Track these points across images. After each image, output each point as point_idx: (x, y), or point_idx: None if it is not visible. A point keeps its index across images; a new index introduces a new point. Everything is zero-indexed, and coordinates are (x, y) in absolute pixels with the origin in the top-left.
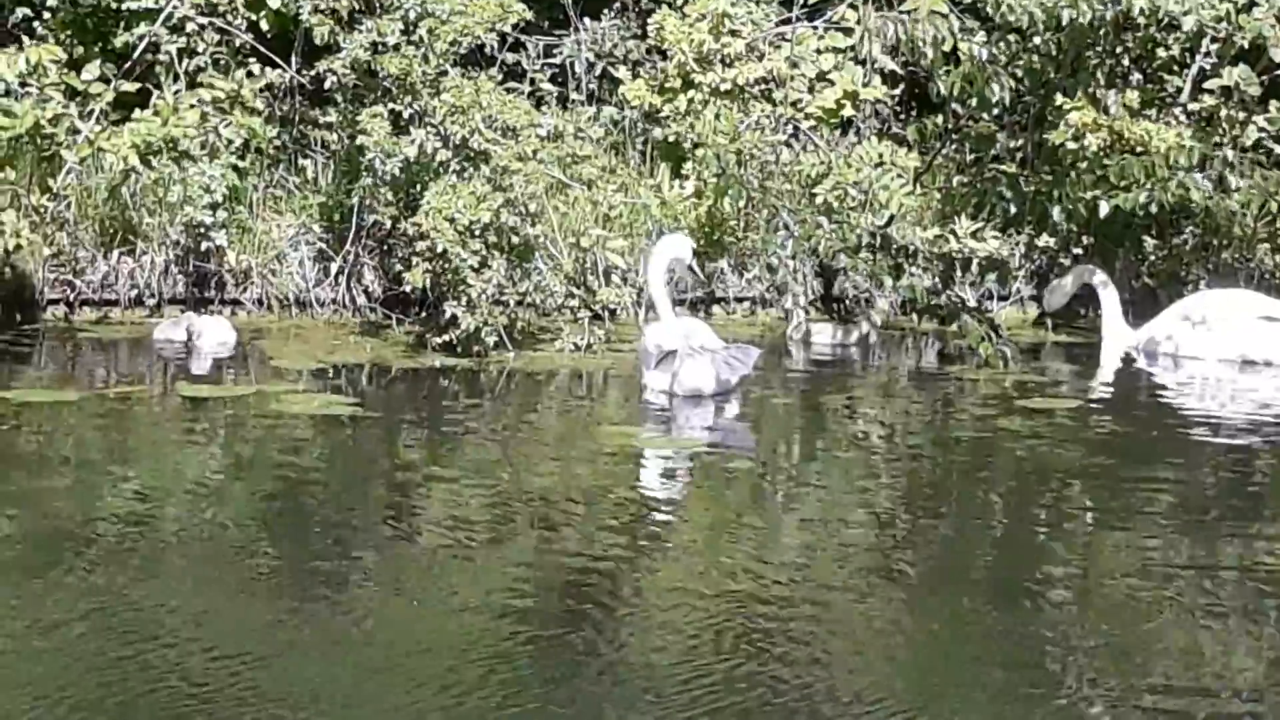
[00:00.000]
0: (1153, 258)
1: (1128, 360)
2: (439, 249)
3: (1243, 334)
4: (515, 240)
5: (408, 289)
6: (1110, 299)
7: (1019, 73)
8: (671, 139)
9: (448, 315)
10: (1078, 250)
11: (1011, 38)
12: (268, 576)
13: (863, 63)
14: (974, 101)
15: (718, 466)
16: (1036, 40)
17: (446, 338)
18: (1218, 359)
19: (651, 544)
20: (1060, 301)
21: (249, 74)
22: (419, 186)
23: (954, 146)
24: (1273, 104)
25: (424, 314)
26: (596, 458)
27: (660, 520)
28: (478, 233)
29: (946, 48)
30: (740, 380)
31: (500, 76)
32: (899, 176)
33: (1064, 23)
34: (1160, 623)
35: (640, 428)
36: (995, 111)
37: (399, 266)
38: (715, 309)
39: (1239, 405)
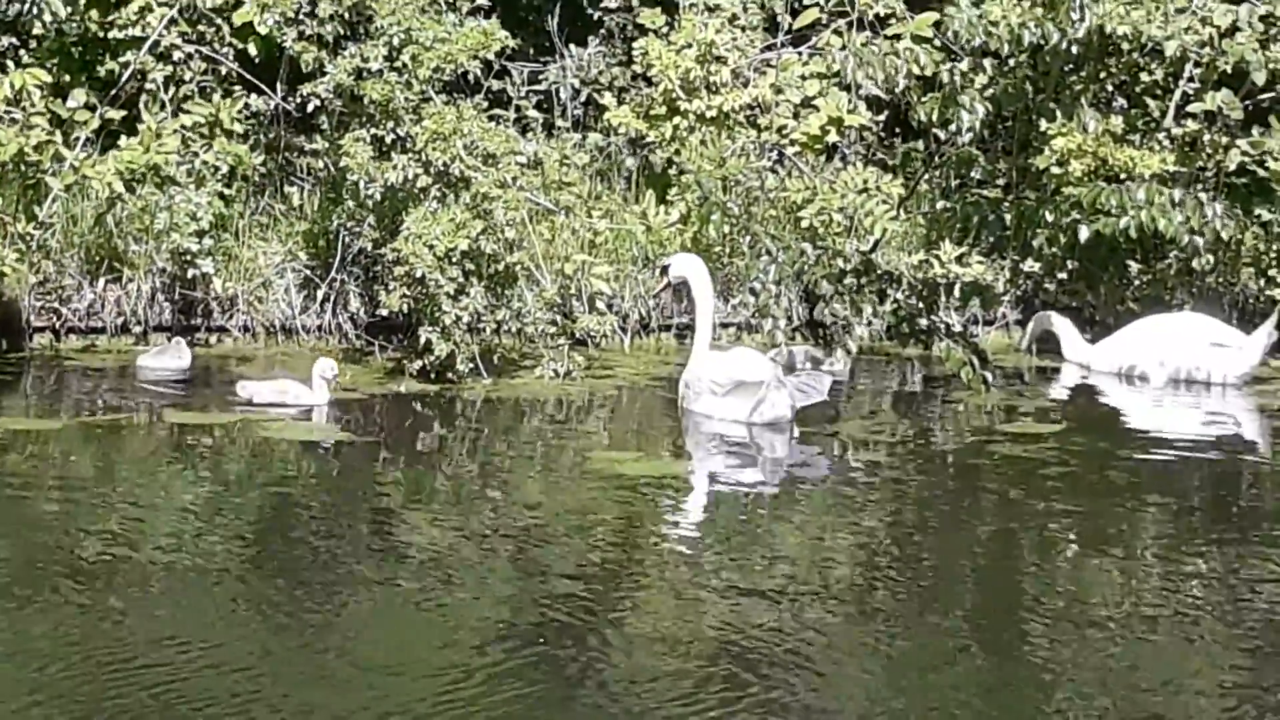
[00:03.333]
0: (1137, 282)
1: (1087, 381)
2: (417, 274)
3: (1193, 356)
4: (496, 267)
5: (384, 313)
6: (1066, 329)
7: (997, 97)
8: (657, 166)
9: (423, 341)
10: (1062, 275)
11: (988, 62)
12: (254, 604)
13: (847, 89)
14: (952, 127)
15: (713, 492)
16: (1013, 64)
17: (421, 364)
18: (1171, 380)
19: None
20: (1028, 348)
21: (229, 96)
22: (402, 213)
23: (938, 172)
24: (1255, 128)
25: (404, 341)
26: (580, 485)
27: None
28: (455, 259)
29: (927, 73)
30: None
31: (486, 103)
32: (883, 202)
33: (1024, 43)
34: (1144, 652)
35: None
36: (969, 136)
37: (383, 294)
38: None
39: (1201, 426)
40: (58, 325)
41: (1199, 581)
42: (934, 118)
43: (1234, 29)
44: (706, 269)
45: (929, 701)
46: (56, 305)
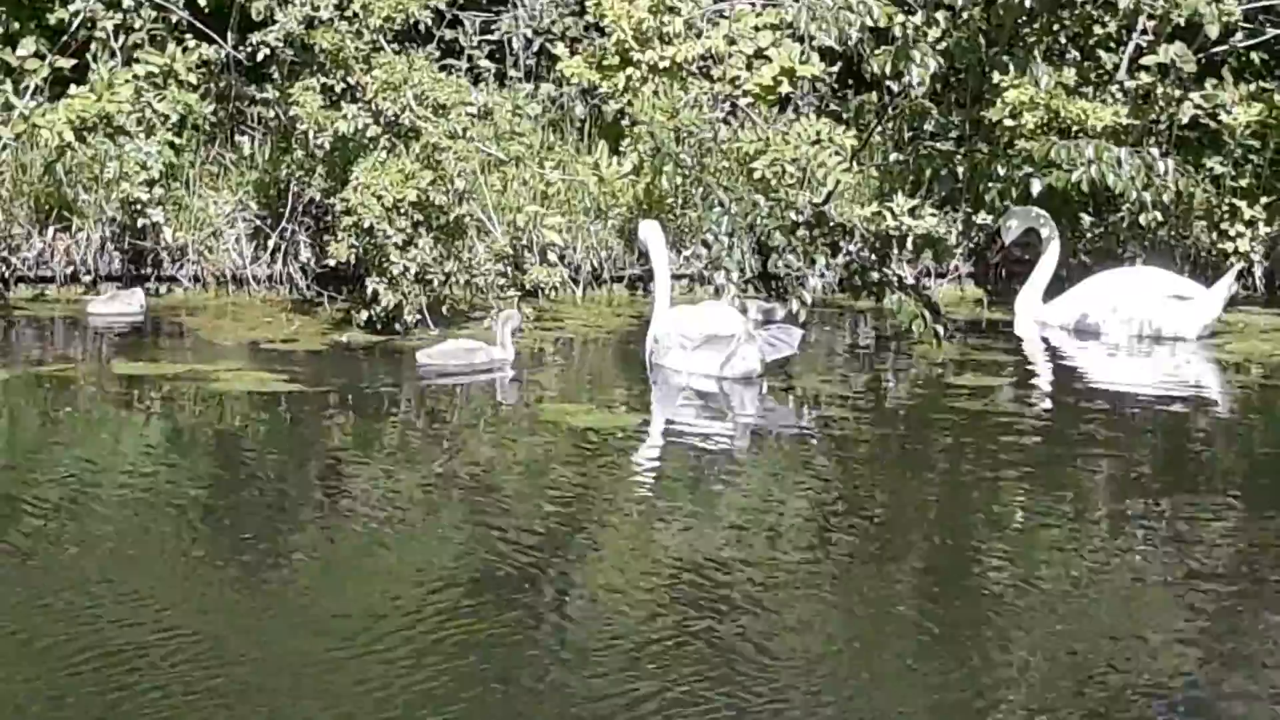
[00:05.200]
0: (1089, 234)
1: (1042, 336)
2: (365, 225)
3: (1153, 311)
4: (446, 218)
5: (332, 263)
6: (1045, 264)
7: (951, 50)
8: (610, 116)
9: (370, 292)
10: None
11: (941, 15)
12: (205, 554)
13: (800, 40)
14: (905, 79)
15: (667, 447)
16: (966, 16)
17: (368, 314)
18: (1129, 335)
19: (600, 520)
20: (1015, 231)
21: (184, 48)
22: (352, 163)
23: (891, 124)
24: (1208, 81)
25: (353, 291)
26: (532, 436)
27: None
28: (404, 210)
29: (881, 25)
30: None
31: (437, 53)
32: (836, 153)
33: None
34: (1095, 603)
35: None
36: (922, 88)
37: (332, 244)
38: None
39: (1157, 381)
40: (6, 274)
41: (1151, 534)
42: (887, 70)
43: None
44: (662, 234)
45: (879, 646)
46: (5, 254)
